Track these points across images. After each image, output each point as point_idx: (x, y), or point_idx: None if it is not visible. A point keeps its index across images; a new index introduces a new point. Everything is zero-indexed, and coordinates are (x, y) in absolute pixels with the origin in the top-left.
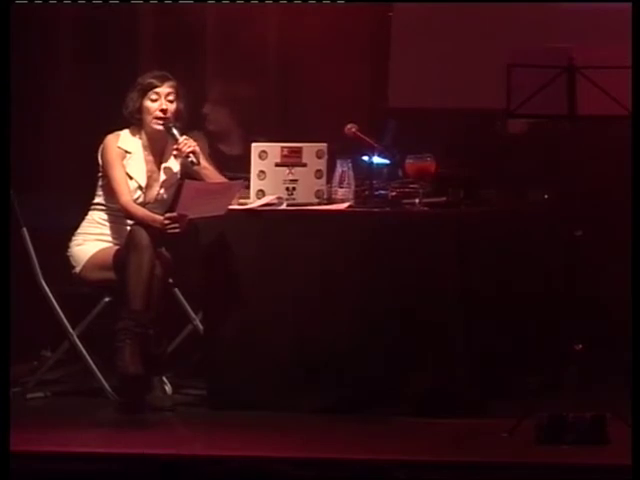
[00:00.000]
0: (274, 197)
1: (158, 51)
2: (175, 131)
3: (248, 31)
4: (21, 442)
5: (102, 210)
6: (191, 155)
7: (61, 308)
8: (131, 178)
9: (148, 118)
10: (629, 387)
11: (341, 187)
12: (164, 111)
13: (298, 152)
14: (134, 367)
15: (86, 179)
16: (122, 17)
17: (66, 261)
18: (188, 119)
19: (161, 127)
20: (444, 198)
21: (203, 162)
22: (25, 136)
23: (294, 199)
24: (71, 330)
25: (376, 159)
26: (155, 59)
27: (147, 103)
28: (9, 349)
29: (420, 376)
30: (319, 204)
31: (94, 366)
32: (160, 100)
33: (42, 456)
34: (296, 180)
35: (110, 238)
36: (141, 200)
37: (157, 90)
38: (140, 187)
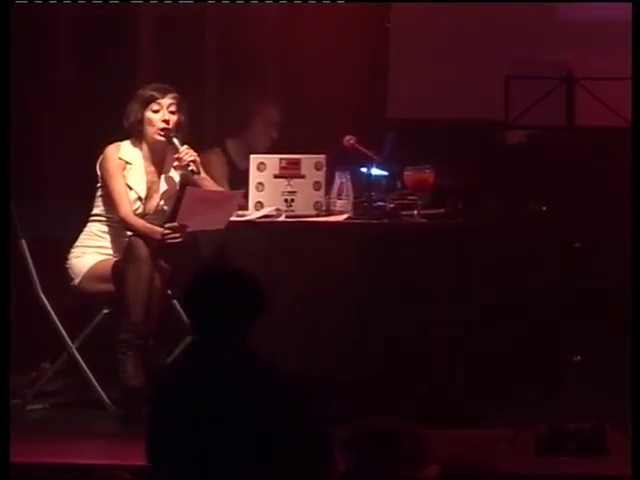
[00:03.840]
0: (272, 209)
1: (159, 60)
2: (176, 141)
3: (246, 42)
4: (20, 453)
5: (101, 222)
6: (191, 164)
7: (60, 320)
8: (131, 189)
9: (150, 129)
10: (629, 397)
11: (339, 199)
12: (166, 122)
13: (296, 164)
14: (137, 379)
15: (86, 190)
16: (122, 25)
17: (65, 273)
18: (191, 131)
19: (163, 139)
20: (443, 209)
21: (203, 173)
22: (24, 146)
23: (293, 211)
24: (70, 342)
25: (374, 171)
26: (156, 68)
27: (149, 114)
28: (9, 360)
29: (419, 386)
30: (317, 216)
31: (93, 378)
32: (162, 111)
33: (41, 467)
34: (294, 192)
35: (109, 250)
36: (140, 211)
37: (159, 101)
38: (140, 198)
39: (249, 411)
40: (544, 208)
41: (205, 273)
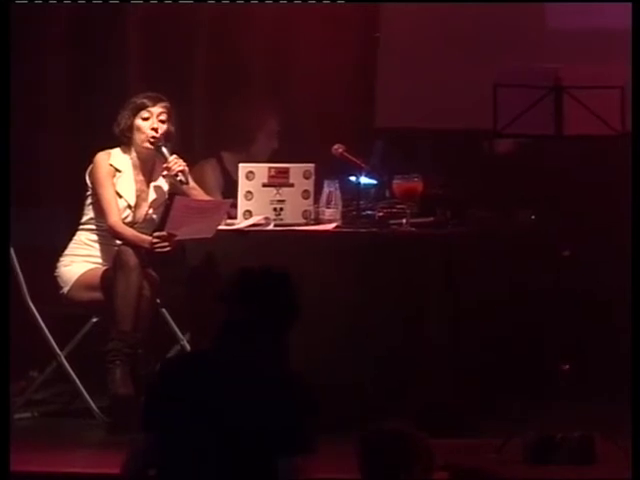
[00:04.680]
0: (261, 217)
1: (152, 68)
2: (165, 150)
3: (237, 53)
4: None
5: (90, 230)
6: (180, 174)
7: (49, 328)
8: (121, 197)
9: (139, 137)
10: (628, 401)
11: (328, 207)
12: (155, 130)
13: (285, 172)
14: (125, 388)
15: (77, 198)
16: (116, 34)
17: (54, 282)
18: (186, 141)
19: (151, 147)
20: (431, 218)
21: (192, 182)
22: (14, 154)
23: (281, 219)
24: (59, 351)
25: (363, 179)
26: (149, 77)
27: (138, 122)
28: (9, 371)
29: (408, 396)
30: (306, 224)
31: (81, 387)
32: (152, 119)
33: (30, 476)
34: (283, 200)
35: (98, 259)
36: (130, 219)
37: (149, 109)
38: (129, 206)
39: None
40: (533, 217)
41: (252, 270)
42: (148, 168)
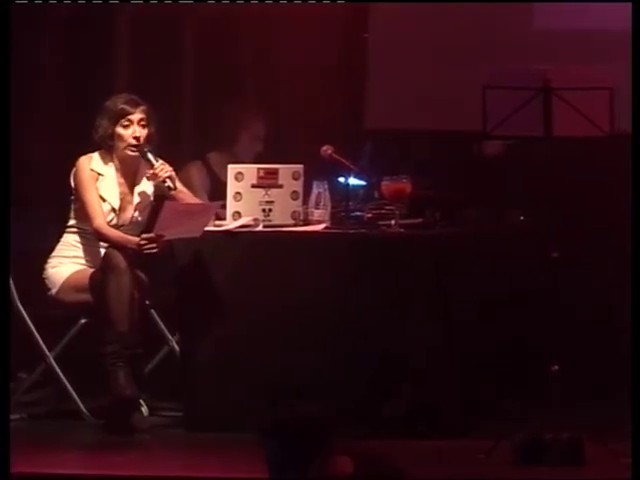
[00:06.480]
0: (250, 219)
1: (134, 71)
2: (150, 156)
3: (225, 54)
4: None
5: (77, 232)
6: (167, 180)
7: (37, 330)
8: (104, 200)
9: (121, 145)
10: (629, 402)
11: (317, 208)
12: (137, 138)
13: (274, 173)
14: (130, 390)
15: (66, 200)
16: (101, 39)
17: (42, 283)
18: (171, 144)
19: (136, 154)
20: (420, 219)
21: (179, 186)
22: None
23: (270, 220)
24: (47, 352)
25: (352, 180)
26: (132, 80)
27: (119, 130)
28: (9, 373)
29: (399, 397)
30: (295, 225)
31: (70, 388)
32: (132, 127)
33: (18, 478)
34: (272, 201)
35: (85, 261)
36: (115, 222)
37: (129, 117)
38: (113, 209)
39: None
40: (522, 218)
41: None
42: (132, 171)
